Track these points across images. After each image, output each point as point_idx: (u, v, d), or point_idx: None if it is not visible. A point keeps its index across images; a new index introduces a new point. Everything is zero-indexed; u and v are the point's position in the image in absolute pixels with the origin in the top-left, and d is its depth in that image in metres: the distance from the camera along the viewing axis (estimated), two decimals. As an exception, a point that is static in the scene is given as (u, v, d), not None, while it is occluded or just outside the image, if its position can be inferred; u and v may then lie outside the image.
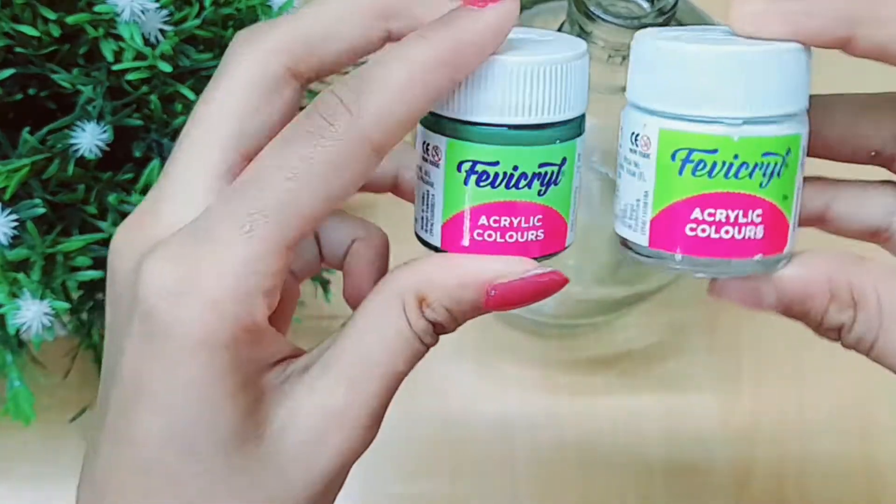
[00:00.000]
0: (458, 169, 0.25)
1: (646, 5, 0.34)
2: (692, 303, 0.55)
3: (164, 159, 0.41)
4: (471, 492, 0.50)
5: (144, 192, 0.40)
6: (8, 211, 0.36)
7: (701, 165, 0.24)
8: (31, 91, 0.40)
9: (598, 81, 0.37)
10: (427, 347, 0.26)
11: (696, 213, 0.25)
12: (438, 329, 0.26)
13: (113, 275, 0.26)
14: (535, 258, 0.26)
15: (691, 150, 0.24)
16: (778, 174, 0.24)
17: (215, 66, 0.42)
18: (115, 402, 0.25)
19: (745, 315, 0.54)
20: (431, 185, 0.26)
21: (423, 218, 0.27)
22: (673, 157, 0.24)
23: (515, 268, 0.25)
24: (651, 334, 0.54)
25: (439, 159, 0.25)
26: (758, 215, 0.25)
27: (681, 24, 0.41)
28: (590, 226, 0.41)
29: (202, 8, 0.40)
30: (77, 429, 0.45)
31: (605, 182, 0.40)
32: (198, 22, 0.39)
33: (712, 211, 0.25)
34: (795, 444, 0.52)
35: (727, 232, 0.25)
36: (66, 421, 0.45)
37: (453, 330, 0.26)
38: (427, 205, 0.26)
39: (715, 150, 0.24)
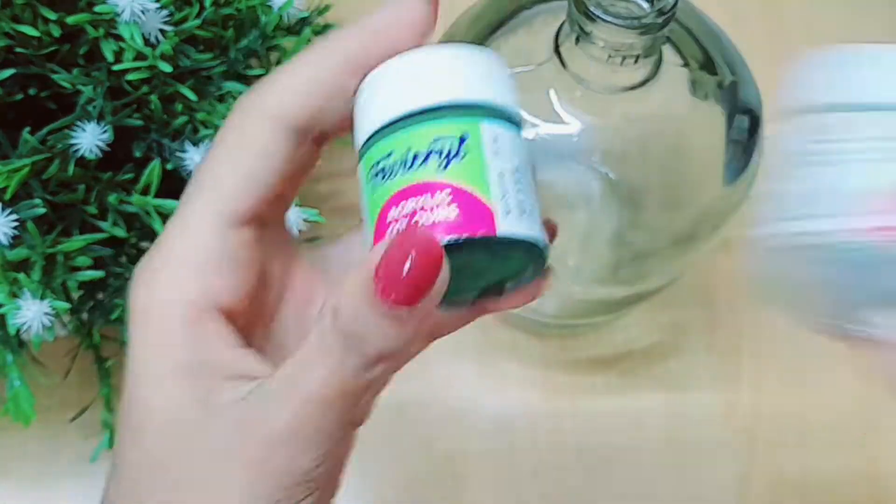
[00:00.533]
0: (368, 178, 0.25)
1: (646, 5, 0.34)
2: (692, 303, 0.54)
3: (164, 159, 0.41)
4: (471, 492, 0.50)
5: (145, 192, 0.40)
6: (8, 211, 0.36)
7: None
8: (31, 91, 0.40)
9: (598, 81, 0.37)
10: (360, 362, 0.24)
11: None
12: (353, 342, 0.24)
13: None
14: (450, 238, 0.23)
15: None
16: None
17: (215, 66, 0.43)
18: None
19: (745, 315, 0.54)
20: (363, 209, 0.25)
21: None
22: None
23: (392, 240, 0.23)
24: (651, 334, 0.54)
25: (360, 181, 0.26)
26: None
27: (681, 25, 0.41)
28: (590, 226, 0.41)
29: (202, 8, 0.40)
30: (77, 429, 0.45)
31: (605, 182, 0.40)
32: (198, 22, 0.39)
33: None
34: (796, 444, 0.52)
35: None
36: (66, 421, 0.45)
37: (394, 346, 0.24)
38: (366, 233, 0.25)
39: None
